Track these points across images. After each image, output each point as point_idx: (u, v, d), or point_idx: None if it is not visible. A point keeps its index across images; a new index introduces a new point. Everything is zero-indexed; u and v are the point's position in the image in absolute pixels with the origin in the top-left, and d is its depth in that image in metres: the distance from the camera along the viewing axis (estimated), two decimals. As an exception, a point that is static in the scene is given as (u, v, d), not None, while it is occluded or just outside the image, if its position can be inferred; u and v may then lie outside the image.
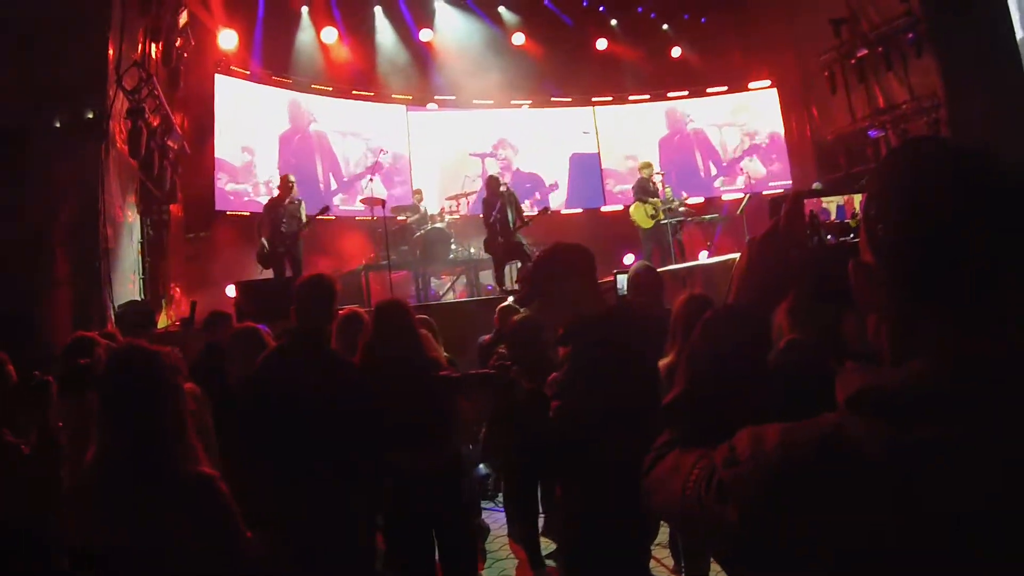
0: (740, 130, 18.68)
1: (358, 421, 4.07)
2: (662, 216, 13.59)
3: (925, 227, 1.09)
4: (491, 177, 12.98)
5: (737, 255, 1.54)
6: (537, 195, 17.67)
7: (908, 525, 1.01)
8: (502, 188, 12.69)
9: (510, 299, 6.62)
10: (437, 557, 4.64)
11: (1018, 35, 12.68)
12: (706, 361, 1.46)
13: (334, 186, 16.23)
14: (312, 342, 4.33)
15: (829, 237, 1.49)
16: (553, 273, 3.44)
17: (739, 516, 1.13)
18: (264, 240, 11.83)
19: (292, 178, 12.47)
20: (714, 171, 18.63)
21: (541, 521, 6.38)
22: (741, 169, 17.93)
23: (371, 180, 14.55)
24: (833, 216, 1.57)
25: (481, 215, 12.93)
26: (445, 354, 5.21)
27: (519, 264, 12.58)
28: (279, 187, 12.41)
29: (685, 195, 14.89)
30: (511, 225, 12.24)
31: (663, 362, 4.05)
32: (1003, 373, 1.05)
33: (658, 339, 3.72)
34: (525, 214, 12.88)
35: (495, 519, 7.40)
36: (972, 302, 1.09)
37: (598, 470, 3.24)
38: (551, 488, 6.13)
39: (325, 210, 12.46)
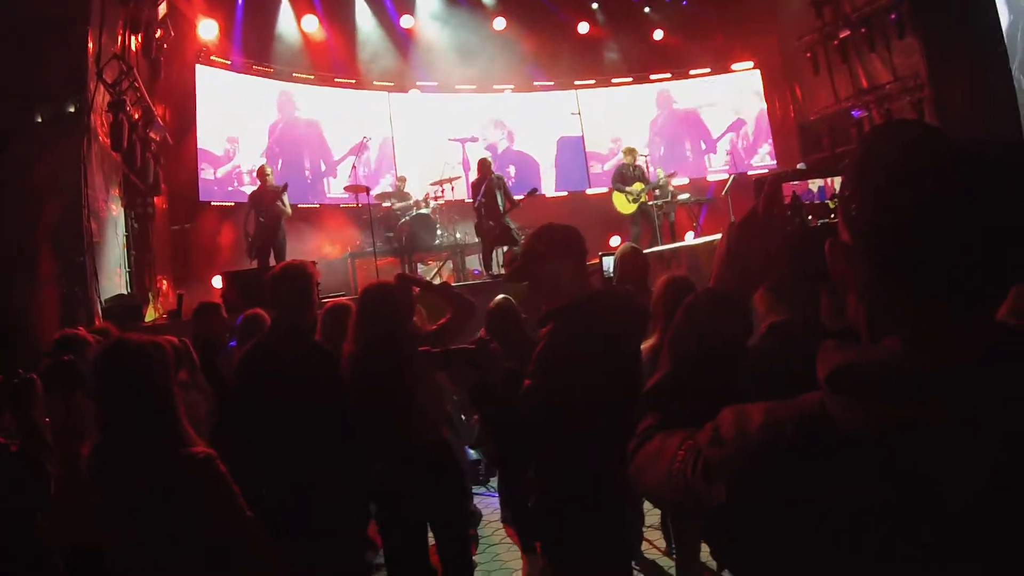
0: (723, 111, 18.68)
1: (339, 412, 4.07)
2: (644, 198, 13.64)
3: (898, 208, 1.10)
4: (482, 160, 12.97)
5: (720, 236, 1.56)
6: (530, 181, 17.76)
7: (887, 501, 1.02)
8: (495, 174, 12.66)
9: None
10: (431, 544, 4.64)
11: (1001, 15, 12.71)
12: (689, 345, 1.48)
13: (323, 168, 16.19)
14: (292, 332, 4.32)
15: (810, 218, 1.50)
16: (540, 252, 3.45)
17: (725, 495, 1.15)
18: (248, 231, 11.79)
19: (268, 169, 12.49)
20: (703, 147, 18.63)
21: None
22: (726, 151, 17.95)
23: (355, 168, 14.52)
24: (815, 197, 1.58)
25: (469, 199, 12.92)
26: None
27: (506, 248, 12.58)
28: (257, 178, 12.39)
29: (671, 172, 14.87)
30: (500, 208, 12.22)
31: (646, 344, 4.06)
32: (976, 352, 1.06)
33: (639, 328, 3.72)
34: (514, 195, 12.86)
35: (487, 504, 7.42)
36: (944, 282, 1.10)
37: (570, 453, 3.25)
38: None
39: (284, 187, 12.32)
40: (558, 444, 3.28)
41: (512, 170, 17.35)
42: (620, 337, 3.44)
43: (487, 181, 12.33)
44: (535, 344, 3.45)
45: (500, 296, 6.31)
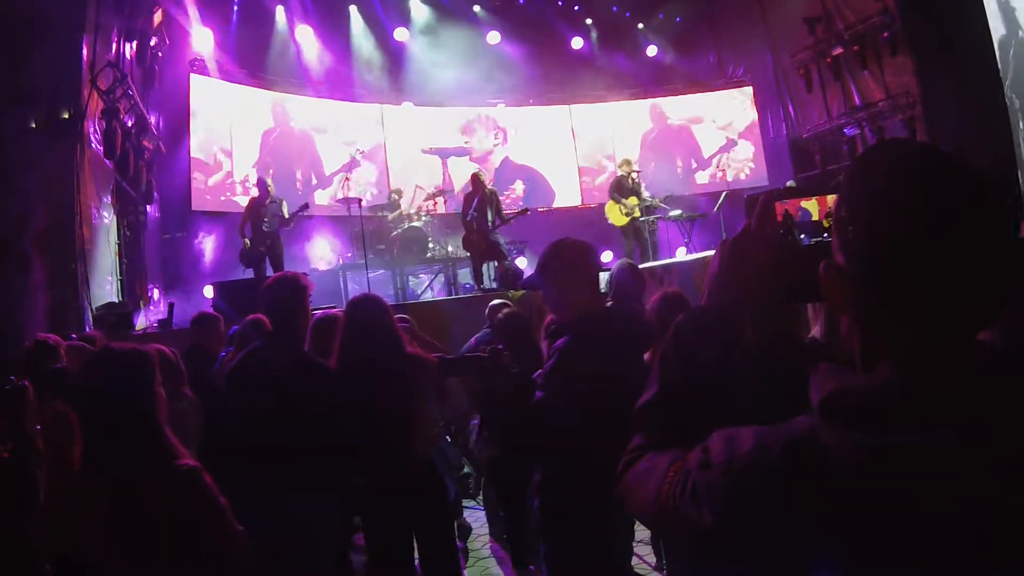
0: (716, 128, 18.73)
1: (328, 424, 4.05)
2: (637, 213, 13.62)
3: (893, 231, 1.10)
4: (475, 174, 12.96)
5: (712, 253, 1.55)
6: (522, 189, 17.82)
7: (877, 529, 1.02)
8: (488, 188, 12.65)
9: (496, 301, 6.67)
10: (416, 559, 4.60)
11: (994, 34, 12.76)
12: (679, 364, 1.47)
13: (313, 182, 16.15)
14: (282, 343, 4.31)
15: (803, 237, 1.49)
16: (555, 265, 3.48)
17: (713, 518, 1.14)
18: (246, 240, 11.76)
19: (269, 179, 12.43)
20: (694, 165, 18.67)
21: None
22: (718, 167, 18.00)
23: (347, 179, 14.49)
24: (814, 216, 1.58)
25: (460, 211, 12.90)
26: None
27: (496, 263, 12.56)
28: (257, 188, 12.33)
29: (667, 194, 14.82)
30: (489, 223, 12.20)
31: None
32: (969, 379, 1.06)
33: (645, 346, 3.76)
34: (506, 211, 12.82)
35: (477, 518, 7.39)
36: (938, 308, 1.09)
37: (577, 465, 3.25)
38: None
39: (305, 207, 12.30)
40: (566, 455, 3.28)
41: (504, 180, 17.42)
42: (631, 354, 3.47)
43: (480, 195, 12.31)
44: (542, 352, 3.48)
45: (499, 303, 6.35)
